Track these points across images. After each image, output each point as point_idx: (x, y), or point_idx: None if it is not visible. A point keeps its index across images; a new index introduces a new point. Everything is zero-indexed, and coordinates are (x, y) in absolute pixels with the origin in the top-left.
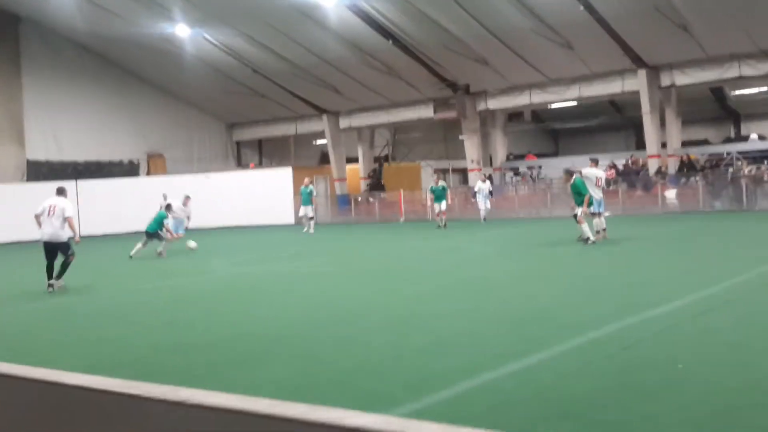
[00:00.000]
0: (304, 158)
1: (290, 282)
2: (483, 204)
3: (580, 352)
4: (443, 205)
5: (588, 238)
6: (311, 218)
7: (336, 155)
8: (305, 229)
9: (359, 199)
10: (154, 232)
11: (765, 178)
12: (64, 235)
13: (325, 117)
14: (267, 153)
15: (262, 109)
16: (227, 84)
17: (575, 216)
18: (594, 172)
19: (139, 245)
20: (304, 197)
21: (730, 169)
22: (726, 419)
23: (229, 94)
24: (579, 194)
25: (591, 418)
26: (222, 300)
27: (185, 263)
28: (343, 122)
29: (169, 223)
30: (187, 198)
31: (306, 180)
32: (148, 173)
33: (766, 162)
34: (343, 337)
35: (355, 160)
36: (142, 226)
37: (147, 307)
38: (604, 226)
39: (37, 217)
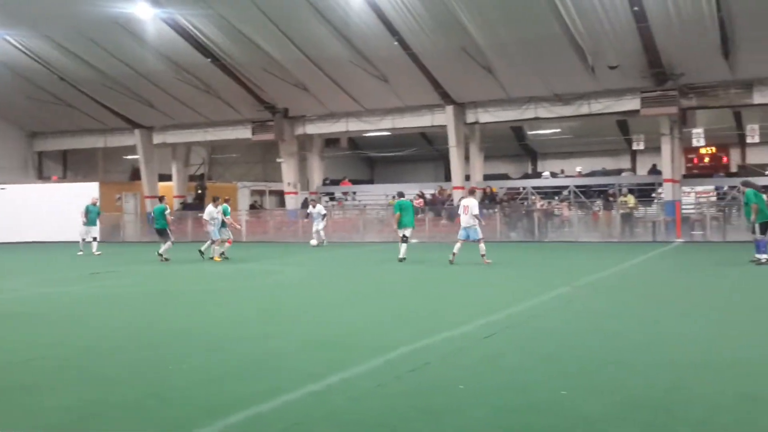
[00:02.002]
0: (114, 173)
1: (91, 304)
2: (315, 228)
3: (374, 374)
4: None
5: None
6: (95, 238)
7: (148, 171)
8: (81, 252)
9: (172, 218)
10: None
11: (555, 213)
12: None
13: (137, 131)
14: (72, 166)
15: (69, 120)
16: (30, 90)
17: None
18: (465, 202)
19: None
20: (93, 216)
21: (526, 203)
22: None
23: (31, 101)
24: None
25: None
26: (11, 323)
27: None
28: (157, 138)
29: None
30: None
31: (93, 198)
32: None
33: (556, 198)
34: (142, 361)
35: (168, 177)
36: None
37: None
38: (483, 252)
39: None
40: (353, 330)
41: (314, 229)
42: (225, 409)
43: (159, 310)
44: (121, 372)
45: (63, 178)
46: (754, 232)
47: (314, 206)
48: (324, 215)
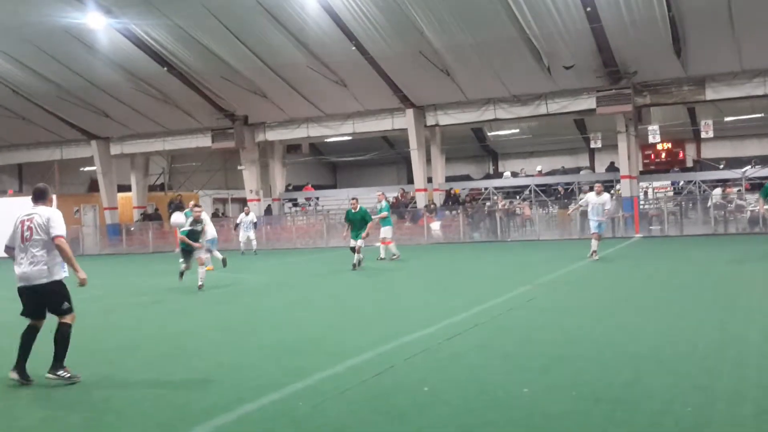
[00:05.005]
0: (71, 185)
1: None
2: (243, 235)
3: (337, 380)
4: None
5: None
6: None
7: (106, 183)
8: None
9: (132, 228)
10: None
11: (517, 212)
12: (51, 269)
13: (94, 143)
14: (28, 179)
15: (24, 133)
16: None
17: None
18: (593, 198)
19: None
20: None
21: (488, 203)
22: None
23: None
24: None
25: None
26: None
27: None
28: (115, 149)
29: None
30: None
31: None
32: None
33: (517, 197)
34: (95, 375)
35: (128, 188)
36: None
37: None
38: (594, 248)
39: (9, 249)
40: (313, 336)
41: (242, 237)
42: (186, 423)
43: (115, 322)
44: (79, 388)
45: (19, 192)
46: None
47: (247, 214)
48: (255, 223)
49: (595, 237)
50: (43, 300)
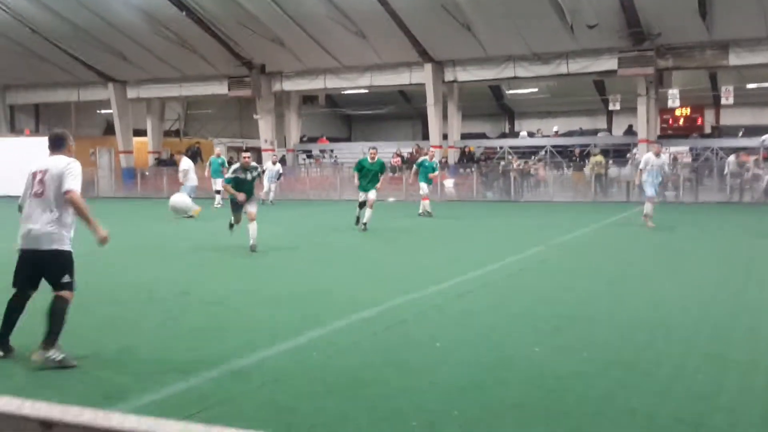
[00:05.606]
0: (88, 127)
1: None
2: (267, 185)
3: (349, 331)
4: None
5: (428, 213)
6: (217, 191)
7: (122, 126)
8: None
9: (147, 173)
10: None
11: (531, 172)
12: (61, 235)
13: (111, 85)
14: (45, 119)
15: (41, 73)
16: (2, 43)
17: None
18: (654, 160)
19: None
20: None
21: (502, 162)
22: (473, 394)
23: (3, 54)
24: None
25: (353, 393)
26: None
27: None
28: (131, 92)
29: None
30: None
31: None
32: None
33: (533, 157)
34: (111, 318)
35: (143, 132)
36: None
37: None
38: (646, 211)
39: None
40: (326, 287)
41: (266, 186)
42: (200, 365)
43: (124, 265)
44: (91, 328)
45: (36, 132)
46: None
47: (274, 164)
48: (281, 174)
49: (651, 201)
50: (43, 269)
